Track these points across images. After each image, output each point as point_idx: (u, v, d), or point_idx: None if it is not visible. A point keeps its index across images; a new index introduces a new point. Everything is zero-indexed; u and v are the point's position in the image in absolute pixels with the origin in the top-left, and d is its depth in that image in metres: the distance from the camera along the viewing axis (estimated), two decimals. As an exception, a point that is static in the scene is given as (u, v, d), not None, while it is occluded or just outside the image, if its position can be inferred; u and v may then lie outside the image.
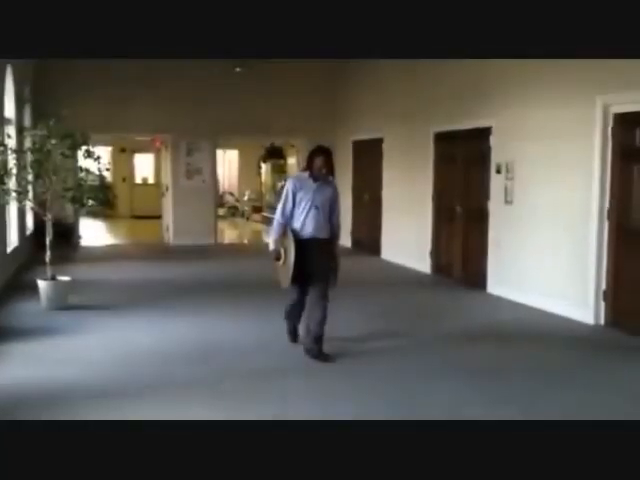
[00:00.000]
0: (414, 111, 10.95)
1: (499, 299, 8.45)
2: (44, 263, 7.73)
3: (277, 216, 5.86)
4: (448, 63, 9.32)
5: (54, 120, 7.53)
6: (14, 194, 7.70)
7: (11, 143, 7.99)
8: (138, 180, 22.51)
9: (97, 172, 8.00)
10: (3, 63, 9.26)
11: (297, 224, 5.75)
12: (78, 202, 7.99)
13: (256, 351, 6.04)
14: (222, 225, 17.04)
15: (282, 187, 18.69)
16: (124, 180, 21.91)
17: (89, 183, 7.93)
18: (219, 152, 16.74)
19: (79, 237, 13.78)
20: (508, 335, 6.77)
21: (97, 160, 7.88)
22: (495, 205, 8.79)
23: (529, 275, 8.09)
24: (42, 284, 7.55)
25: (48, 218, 7.77)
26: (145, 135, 15.20)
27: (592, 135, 7.03)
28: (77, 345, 6.18)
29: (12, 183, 7.62)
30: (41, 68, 12.29)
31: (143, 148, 20.63)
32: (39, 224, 9.78)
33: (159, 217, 15.65)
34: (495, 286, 8.73)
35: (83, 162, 8.08)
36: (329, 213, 5.83)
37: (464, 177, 9.57)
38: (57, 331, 6.59)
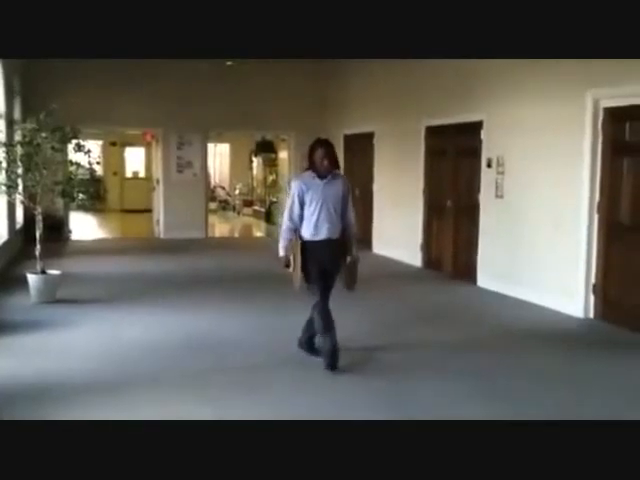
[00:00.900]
0: (405, 105, 10.95)
1: (489, 292, 8.47)
2: (34, 257, 7.70)
3: (285, 221, 5.45)
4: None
5: (44, 113, 7.50)
6: (4, 188, 7.66)
7: (1, 136, 7.95)
8: (129, 174, 22.39)
9: (87, 166, 7.98)
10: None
11: (310, 227, 5.38)
12: (68, 196, 7.99)
13: (247, 345, 6.04)
14: (213, 219, 17.02)
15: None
16: (115, 174, 21.77)
17: (79, 177, 7.91)
18: (210, 146, 16.71)
19: (69, 231, 13.73)
20: (498, 328, 6.78)
21: (87, 154, 7.86)
22: (486, 199, 8.81)
23: (519, 269, 8.12)
24: (32, 278, 7.53)
25: (38, 212, 7.73)
26: (136, 129, 15.16)
27: (582, 129, 7.05)
28: (66, 339, 6.17)
29: (2, 177, 7.58)
30: (30, 61, 12.19)
31: (134, 142, 20.52)
32: (29, 218, 9.74)
33: (150, 211, 15.61)
34: (485, 279, 8.75)
35: (73, 156, 8.06)
36: (342, 210, 5.47)
37: (455, 171, 9.59)
38: (46, 325, 6.57)
